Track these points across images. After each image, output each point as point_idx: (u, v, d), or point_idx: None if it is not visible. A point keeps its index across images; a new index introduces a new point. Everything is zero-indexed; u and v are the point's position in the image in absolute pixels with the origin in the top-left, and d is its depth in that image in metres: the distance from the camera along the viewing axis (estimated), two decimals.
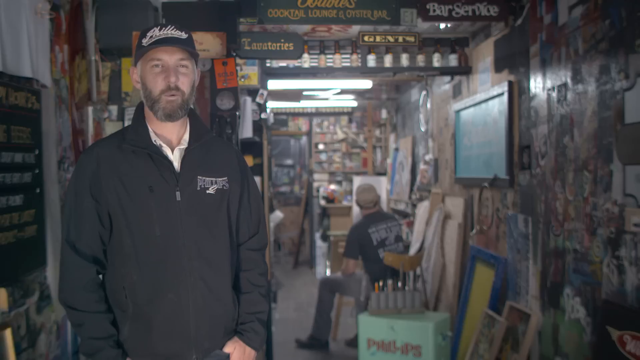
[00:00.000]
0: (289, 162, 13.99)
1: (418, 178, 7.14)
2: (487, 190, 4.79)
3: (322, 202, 10.59)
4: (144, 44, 2.07)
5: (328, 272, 9.18)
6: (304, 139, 12.84)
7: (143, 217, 2.09)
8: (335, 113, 10.34)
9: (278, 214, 9.42)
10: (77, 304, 2.07)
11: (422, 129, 7.13)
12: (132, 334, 2.10)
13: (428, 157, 6.78)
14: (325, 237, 9.85)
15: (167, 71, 2.08)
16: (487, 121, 4.79)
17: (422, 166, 6.95)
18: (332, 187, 11.23)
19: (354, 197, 6.56)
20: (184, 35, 2.10)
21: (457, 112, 5.56)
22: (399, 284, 5.05)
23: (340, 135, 11.94)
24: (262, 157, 5.51)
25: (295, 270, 10.87)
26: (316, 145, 12.09)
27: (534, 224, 3.93)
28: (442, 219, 5.92)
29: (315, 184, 11.59)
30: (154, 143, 2.14)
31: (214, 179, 2.19)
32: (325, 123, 12.19)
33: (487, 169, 4.78)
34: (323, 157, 12.17)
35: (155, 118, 2.13)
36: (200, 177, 2.17)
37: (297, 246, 11.41)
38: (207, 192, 2.17)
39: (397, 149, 9.00)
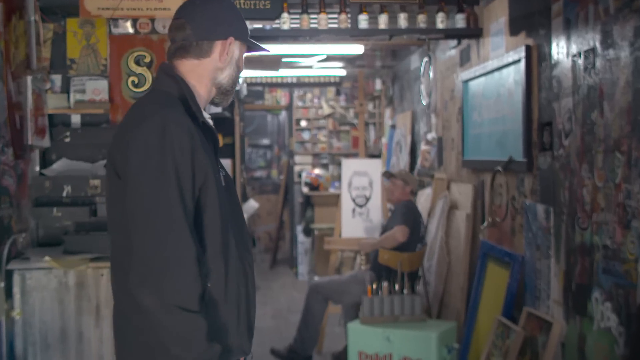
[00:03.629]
0: (266, 141, 14.00)
1: (419, 161, 7.15)
2: (500, 175, 4.80)
3: (305, 190, 10.57)
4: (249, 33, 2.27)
5: (316, 277, 9.13)
6: (283, 114, 12.83)
7: (224, 208, 2.12)
8: (321, 84, 10.35)
9: (252, 204, 9.41)
10: (195, 305, 1.98)
11: (424, 102, 7.14)
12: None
13: (430, 135, 6.79)
14: (308, 231, 9.85)
15: None
16: (500, 93, 4.79)
17: (423, 147, 6.97)
18: (317, 171, 11.22)
19: (398, 182, 6.11)
20: None
21: (465, 82, 5.57)
22: (396, 287, 5.06)
23: (326, 110, 11.93)
24: (234, 135, 5.51)
25: (272, 270, 10.90)
26: (298, 121, 12.09)
27: (557, 216, 3.94)
28: (448, 210, 5.94)
29: (297, 168, 11.60)
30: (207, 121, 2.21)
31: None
32: (309, 95, 12.20)
33: (500, 150, 4.79)
34: (306, 135, 12.18)
35: (204, 99, 2.21)
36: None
37: (275, 242, 11.43)
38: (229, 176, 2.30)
39: (393, 126, 9.00)
